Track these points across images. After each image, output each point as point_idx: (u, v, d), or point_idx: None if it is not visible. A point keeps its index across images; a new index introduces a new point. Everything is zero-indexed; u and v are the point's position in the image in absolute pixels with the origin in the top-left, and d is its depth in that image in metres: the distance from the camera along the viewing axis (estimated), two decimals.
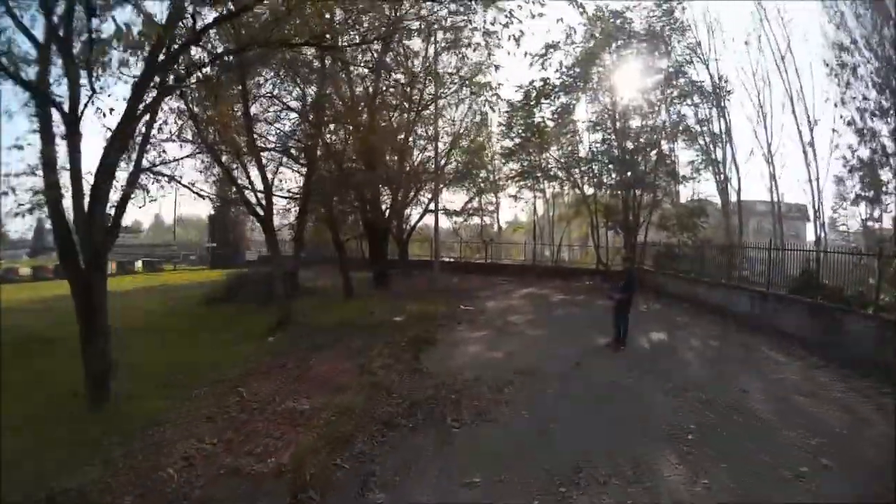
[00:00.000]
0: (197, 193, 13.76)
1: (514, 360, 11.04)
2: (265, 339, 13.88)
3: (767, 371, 10.68)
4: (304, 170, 19.98)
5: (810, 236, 28.99)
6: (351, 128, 19.23)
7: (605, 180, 28.31)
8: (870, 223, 26.76)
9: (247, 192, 15.44)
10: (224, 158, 15.40)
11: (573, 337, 13.67)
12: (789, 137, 76.34)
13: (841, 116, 25.53)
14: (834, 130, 26.55)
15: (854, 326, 11.74)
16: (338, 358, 11.38)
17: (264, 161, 16.70)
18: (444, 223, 38.33)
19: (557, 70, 27.05)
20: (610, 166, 27.17)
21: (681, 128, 26.85)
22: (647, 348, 12.74)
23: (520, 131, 29.48)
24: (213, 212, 42.90)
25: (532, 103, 28.25)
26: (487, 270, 30.69)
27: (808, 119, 27.63)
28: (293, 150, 18.73)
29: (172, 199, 56.39)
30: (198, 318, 17.10)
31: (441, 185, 29.04)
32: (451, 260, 33.18)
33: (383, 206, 25.16)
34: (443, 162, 29.67)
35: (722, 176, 28.86)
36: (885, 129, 22.98)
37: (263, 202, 15.44)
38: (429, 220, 28.69)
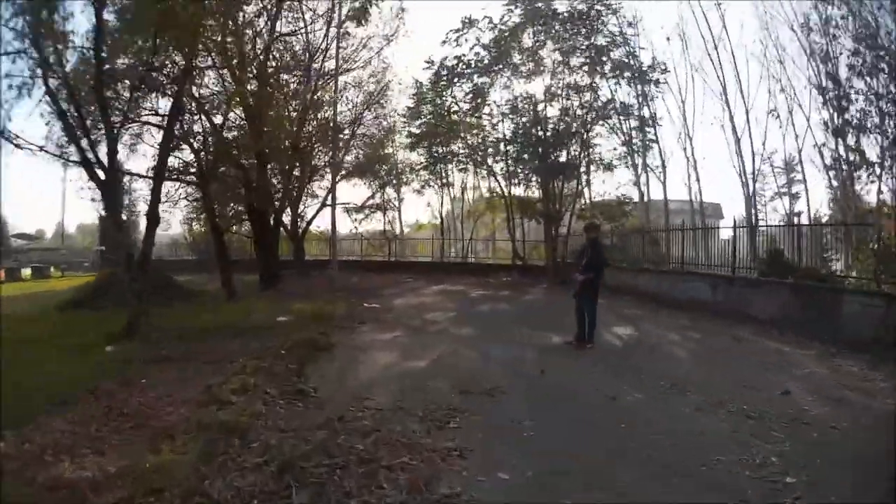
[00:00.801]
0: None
1: (449, 372, 7.23)
2: (105, 347, 9.16)
3: (785, 365, 7.88)
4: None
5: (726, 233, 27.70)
6: (231, 80, 14.72)
7: (521, 169, 25.32)
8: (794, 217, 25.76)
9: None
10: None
11: (515, 335, 10.26)
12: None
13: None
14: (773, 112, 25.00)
15: (851, 307, 9.62)
16: (182, 377, 7.02)
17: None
18: (345, 223, 34.44)
19: (473, 47, 23.98)
20: (529, 152, 24.23)
21: (609, 109, 24.46)
22: (619, 346, 9.53)
23: (428, 116, 26.11)
24: (102, 213, 37.41)
25: (443, 83, 24.95)
26: (392, 269, 26.85)
27: (746, 107, 26.02)
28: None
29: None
30: (51, 324, 11.93)
31: (339, 175, 24.98)
32: (353, 259, 29.02)
33: (273, 192, 20.46)
34: (341, 153, 25.70)
35: (641, 167, 26.85)
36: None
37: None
38: (327, 219, 24.63)
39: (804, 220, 19.83)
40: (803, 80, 26.89)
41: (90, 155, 10.25)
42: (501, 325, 11.45)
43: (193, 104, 15.41)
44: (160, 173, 11.50)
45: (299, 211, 27.39)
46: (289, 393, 6.14)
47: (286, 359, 7.63)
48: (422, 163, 28.56)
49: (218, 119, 16.88)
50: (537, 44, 23.35)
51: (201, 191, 17.03)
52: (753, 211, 26.96)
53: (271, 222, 20.89)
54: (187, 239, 35.24)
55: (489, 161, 26.33)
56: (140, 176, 16.93)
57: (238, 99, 14.29)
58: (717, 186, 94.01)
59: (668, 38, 39.79)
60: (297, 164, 21.06)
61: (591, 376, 7.13)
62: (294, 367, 7.22)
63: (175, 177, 17.02)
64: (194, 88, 14.62)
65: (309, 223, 27.76)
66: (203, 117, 16.47)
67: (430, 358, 8.17)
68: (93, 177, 10.41)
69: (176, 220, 29.27)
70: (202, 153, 16.73)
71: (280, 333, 9.47)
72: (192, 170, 17.26)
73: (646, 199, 27.15)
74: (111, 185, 10.39)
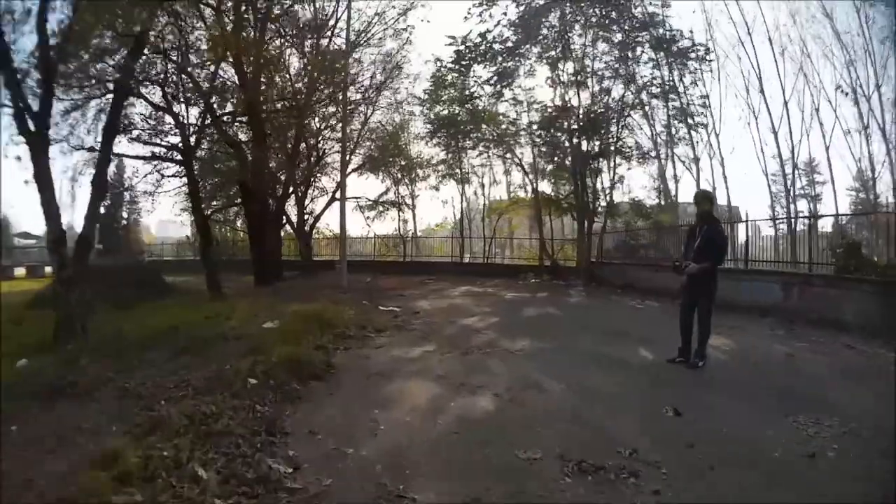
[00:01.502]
0: None
1: (537, 423, 4.17)
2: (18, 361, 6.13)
3: None
4: None
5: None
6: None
7: (551, 157, 22.16)
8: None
9: None
10: None
11: (589, 349, 7.22)
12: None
13: None
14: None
15: None
16: (60, 432, 3.89)
17: None
18: (356, 224, 31.33)
19: (498, 24, 20.86)
20: (559, 139, 21.13)
21: (650, 88, 21.34)
22: (727, 362, 6.64)
23: (448, 102, 23.02)
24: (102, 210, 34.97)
25: (465, 62, 21.84)
26: (408, 269, 23.63)
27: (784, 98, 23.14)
28: None
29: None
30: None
31: (349, 165, 22.13)
32: (364, 260, 25.93)
33: (270, 169, 17.36)
34: (354, 138, 22.76)
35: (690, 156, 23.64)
36: None
37: None
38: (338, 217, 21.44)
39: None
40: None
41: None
42: (562, 334, 8.33)
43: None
44: (110, 128, 8.46)
45: (306, 206, 24.60)
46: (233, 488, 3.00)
47: (253, 395, 4.53)
48: (440, 157, 25.60)
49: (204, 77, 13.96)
50: (568, 21, 20.28)
51: (184, 168, 14.02)
52: (792, 206, 23.75)
53: (271, 207, 17.93)
54: (190, 239, 32.52)
55: (516, 150, 23.22)
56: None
57: (221, 47, 11.23)
58: (735, 186, 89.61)
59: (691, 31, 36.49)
60: (301, 137, 17.96)
61: (748, 414, 4.14)
62: (262, 416, 4.11)
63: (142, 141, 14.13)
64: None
65: (317, 219, 24.89)
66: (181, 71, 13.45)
67: (494, 393, 5.03)
68: (23, 130, 7.41)
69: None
70: (181, 117, 13.82)
71: (256, 348, 6.31)
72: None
73: (677, 194, 24.03)
74: (39, 139, 7.31)
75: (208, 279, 13.78)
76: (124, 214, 35.96)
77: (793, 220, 11.37)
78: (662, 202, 23.10)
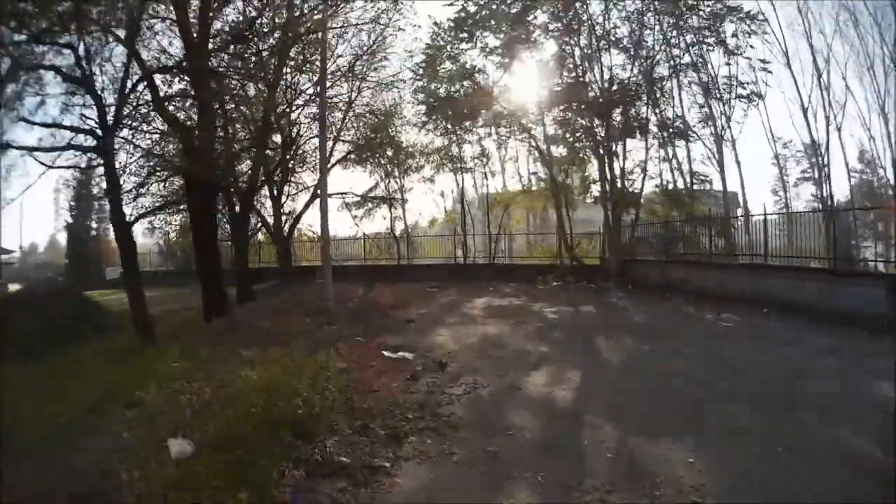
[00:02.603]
0: None
1: None
2: None
3: None
4: None
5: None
6: None
7: (572, 134, 18.21)
8: None
9: None
10: None
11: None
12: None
13: None
14: None
15: None
16: None
17: None
18: (343, 223, 26.78)
19: None
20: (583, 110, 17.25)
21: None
22: None
23: (444, 78, 18.92)
24: (69, 220, 31.91)
25: (467, 29, 17.73)
26: (405, 275, 19.53)
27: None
28: None
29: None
30: None
31: (332, 153, 18.06)
32: (354, 265, 21.81)
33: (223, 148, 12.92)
34: (335, 129, 18.65)
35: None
36: None
37: None
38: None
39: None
40: None
41: None
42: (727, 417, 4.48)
43: None
44: None
45: (283, 204, 20.39)
46: None
47: None
48: (436, 144, 21.60)
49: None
50: None
51: (99, 149, 9.73)
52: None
53: (233, 207, 13.82)
54: (162, 247, 28.15)
55: (527, 126, 19.19)
56: None
57: None
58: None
59: None
60: (270, 109, 13.64)
61: None
62: None
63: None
64: None
65: (297, 219, 20.56)
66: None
67: None
68: None
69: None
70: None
71: None
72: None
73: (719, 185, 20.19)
74: None
75: (134, 313, 9.60)
76: (93, 224, 31.60)
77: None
78: (694, 188, 19.28)
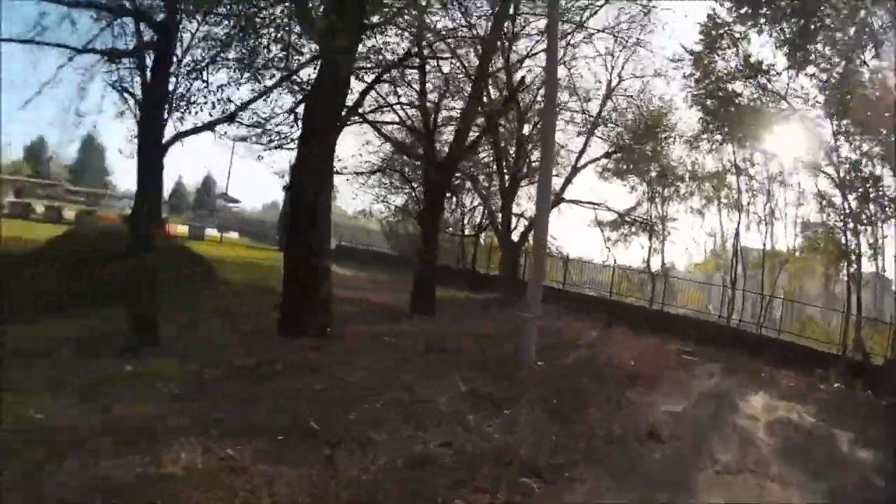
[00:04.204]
0: None
1: None
2: None
3: None
4: None
5: None
6: None
7: None
8: None
9: None
10: None
11: None
12: None
13: None
14: None
15: None
16: None
17: None
18: (588, 243, 23.83)
19: None
20: None
21: None
22: None
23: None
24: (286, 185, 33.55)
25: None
26: (655, 322, 14.99)
27: None
28: None
29: None
30: None
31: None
32: (595, 295, 18.19)
33: None
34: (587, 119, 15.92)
35: None
36: None
37: None
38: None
39: None
40: None
41: None
42: None
43: None
44: None
45: (514, 200, 18.10)
46: None
47: None
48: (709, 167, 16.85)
49: None
50: None
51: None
52: None
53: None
54: (385, 227, 25.71)
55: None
56: None
57: None
58: None
59: None
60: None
61: None
62: None
63: None
64: None
65: (531, 225, 18.07)
66: None
67: None
68: None
69: None
70: None
71: None
72: None
73: None
74: None
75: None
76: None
77: None
78: None
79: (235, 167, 62.83)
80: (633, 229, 19.27)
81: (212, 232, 29.23)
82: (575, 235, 25.17)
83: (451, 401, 5.36)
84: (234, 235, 31.45)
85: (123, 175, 59.77)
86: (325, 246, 8.82)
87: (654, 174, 18.04)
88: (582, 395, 6.36)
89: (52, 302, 9.82)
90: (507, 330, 8.95)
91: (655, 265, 18.93)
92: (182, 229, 27.47)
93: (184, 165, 58.90)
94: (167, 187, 48.36)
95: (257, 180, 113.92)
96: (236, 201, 40.77)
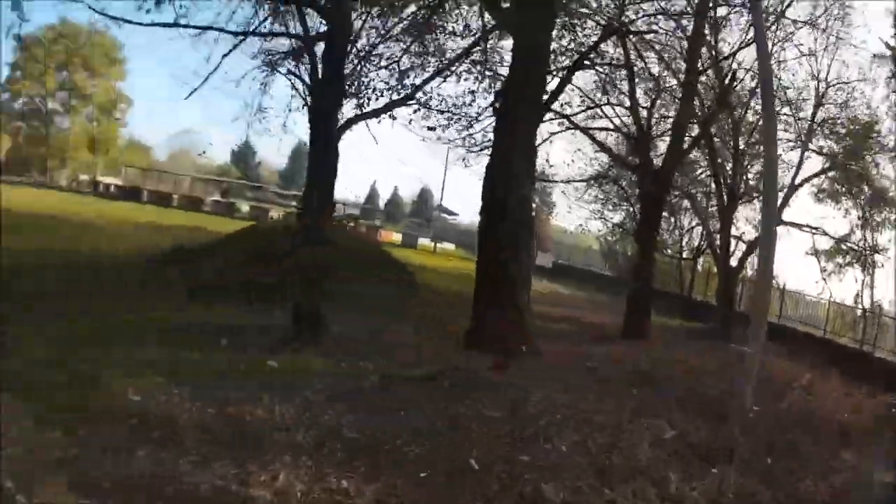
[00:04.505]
0: None
1: None
2: None
3: None
4: None
5: None
6: None
7: None
8: None
9: None
10: None
11: None
12: None
13: None
14: None
15: None
16: None
17: None
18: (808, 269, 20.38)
19: None
20: None
21: None
22: None
23: None
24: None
25: None
26: (871, 370, 12.20)
27: None
28: None
29: None
30: None
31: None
32: (806, 332, 15.61)
33: None
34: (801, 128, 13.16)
35: None
36: None
37: None
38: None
39: None
40: None
41: None
42: None
43: None
44: None
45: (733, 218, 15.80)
46: None
47: None
48: None
49: None
50: None
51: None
52: None
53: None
54: (603, 246, 25.53)
55: None
56: None
57: None
58: None
59: None
60: None
61: None
62: None
63: None
64: None
65: (750, 249, 15.44)
66: None
67: None
68: None
69: None
70: None
71: None
72: None
73: None
74: None
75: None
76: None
77: None
78: None
79: (453, 180, 65.22)
80: (848, 259, 15.73)
81: (425, 242, 30.44)
82: (789, 264, 22.04)
83: (651, 448, 4.60)
84: (449, 246, 32.58)
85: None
86: (521, 247, 7.88)
87: (867, 195, 14.98)
88: (798, 454, 5.62)
89: (218, 291, 9.95)
90: (720, 364, 8.45)
91: (866, 301, 16.13)
92: (396, 237, 29.45)
93: (399, 178, 62.90)
94: (383, 197, 52.58)
95: (475, 193, 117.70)
96: (454, 214, 42.26)
